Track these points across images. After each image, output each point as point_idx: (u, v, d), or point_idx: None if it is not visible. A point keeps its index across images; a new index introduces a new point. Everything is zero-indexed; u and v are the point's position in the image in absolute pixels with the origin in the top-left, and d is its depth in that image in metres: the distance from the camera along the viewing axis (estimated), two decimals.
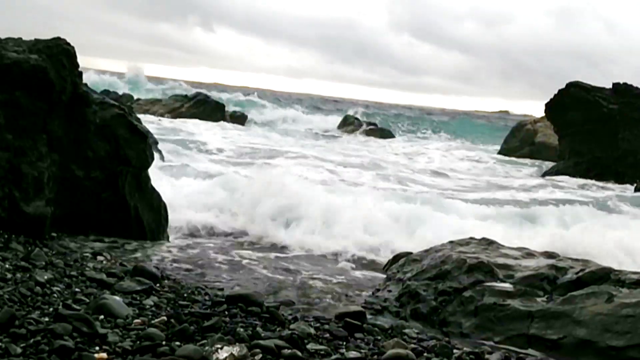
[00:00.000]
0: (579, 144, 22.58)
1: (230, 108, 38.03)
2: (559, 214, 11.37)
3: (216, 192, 10.58)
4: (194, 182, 11.40)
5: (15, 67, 6.38)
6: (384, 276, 6.85)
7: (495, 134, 39.21)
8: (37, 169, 6.47)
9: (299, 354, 3.78)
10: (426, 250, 6.70)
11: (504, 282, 5.62)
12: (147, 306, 4.54)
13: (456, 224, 9.81)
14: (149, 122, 20.01)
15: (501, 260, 6.01)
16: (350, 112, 42.38)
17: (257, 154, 19.16)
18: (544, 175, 21.90)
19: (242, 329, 4.08)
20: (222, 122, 32.24)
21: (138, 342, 3.65)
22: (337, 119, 39.44)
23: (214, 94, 41.55)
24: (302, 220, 9.37)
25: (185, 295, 5.11)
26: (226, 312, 4.55)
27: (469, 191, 15.81)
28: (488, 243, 6.67)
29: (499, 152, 29.32)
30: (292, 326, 4.39)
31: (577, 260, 6.02)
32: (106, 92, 24.63)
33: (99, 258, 6.11)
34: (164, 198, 8.06)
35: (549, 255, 6.27)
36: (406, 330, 4.97)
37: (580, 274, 5.47)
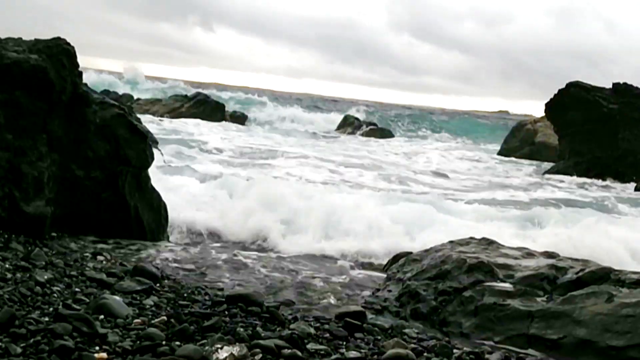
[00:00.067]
0: (579, 143, 22.60)
1: (230, 108, 38.06)
2: (561, 214, 11.38)
3: (216, 193, 10.58)
4: (193, 183, 11.40)
5: (15, 67, 6.38)
6: (384, 276, 6.85)
7: (495, 134, 39.25)
8: (37, 168, 6.47)
9: (299, 353, 3.78)
10: (426, 250, 6.70)
11: (504, 282, 5.62)
12: (147, 306, 4.54)
13: (457, 225, 9.81)
14: (149, 122, 20.03)
15: (501, 260, 6.01)
16: (350, 112, 42.39)
17: (257, 155, 19.16)
18: (544, 175, 21.91)
19: (242, 329, 4.08)
20: (222, 122, 32.27)
21: (138, 342, 3.65)
22: (337, 119, 39.45)
23: (214, 93, 41.61)
24: (303, 221, 9.37)
25: (185, 295, 5.11)
26: (226, 312, 4.55)
27: (470, 191, 15.81)
28: (488, 243, 6.67)
29: (499, 152, 29.34)
30: (292, 326, 4.39)
31: (577, 260, 6.02)
32: (106, 92, 24.65)
33: (99, 258, 6.11)
34: (164, 198, 8.06)
35: (549, 255, 6.27)
36: (406, 330, 4.97)
37: (580, 273, 5.47)
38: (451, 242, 6.80)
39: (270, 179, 13.04)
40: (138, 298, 4.77)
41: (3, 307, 3.79)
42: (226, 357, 3.46)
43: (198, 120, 30.38)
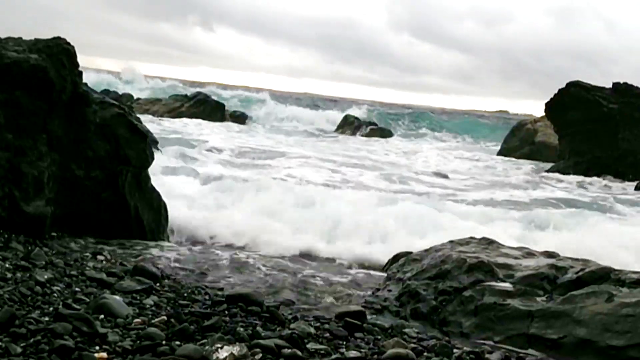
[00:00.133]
0: (579, 143, 22.59)
1: (231, 107, 38.07)
2: (562, 215, 11.38)
3: (216, 193, 10.59)
4: (194, 183, 11.41)
5: (15, 66, 6.38)
6: (384, 276, 6.85)
7: (496, 134, 39.21)
8: (37, 168, 6.47)
9: (299, 353, 3.78)
10: (426, 250, 6.70)
11: (504, 281, 5.61)
12: (147, 306, 4.55)
13: (458, 226, 9.80)
14: (149, 121, 20.03)
15: (501, 260, 6.01)
16: (350, 112, 42.35)
17: (257, 155, 19.15)
18: (544, 174, 21.91)
19: (242, 329, 4.08)
20: (222, 122, 32.28)
21: (138, 341, 3.65)
22: (337, 119, 39.41)
23: (214, 90, 41.58)
24: (303, 221, 9.37)
25: (185, 294, 5.11)
26: (226, 312, 4.55)
27: (470, 191, 15.80)
28: (488, 242, 6.67)
29: (499, 152, 29.33)
30: (292, 326, 4.39)
31: (577, 260, 6.02)
32: (106, 92, 24.64)
33: (99, 257, 6.11)
34: (164, 198, 8.06)
35: (549, 254, 6.27)
36: (406, 330, 4.97)
37: (580, 273, 5.47)
38: (451, 241, 6.80)
39: (270, 179, 13.04)
40: (138, 298, 4.77)
41: (3, 306, 3.79)
42: (226, 357, 3.46)
43: (199, 120, 30.39)
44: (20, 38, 6.96)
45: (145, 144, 7.66)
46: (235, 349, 3.54)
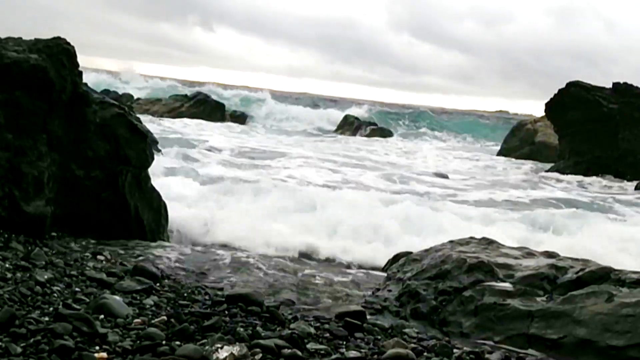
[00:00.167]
0: (579, 143, 22.60)
1: (231, 107, 38.08)
2: (561, 215, 11.38)
3: (216, 193, 10.59)
4: (194, 183, 11.41)
5: (15, 66, 6.38)
6: (384, 276, 6.85)
7: (496, 134, 39.24)
8: (37, 168, 6.47)
9: (299, 353, 3.78)
10: (426, 250, 6.70)
11: (504, 281, 5.61)
12: (147, 306, 4.55)
13: (457, 225, 9.81)
14: (149, 121, 20.03)
15: (501, 260, 6.01)
16: (350, 112, 42.34)
17: (258, 155, 19.16)
18: (544, 174, 21.91)
19: (242, 329, 4.08)
20: (222, 122, 32.29)
21: (138, 341, 3.65)
22: (337, 119, 39.41)
23: (213, 89, 41.55)
24: (303, 222, 9.37)
25: (185, 294, 5.11)
26: (226, 312, 4.55)
27: (471, 191, 15.80)
28: (488, 242, 6.66)
29: (499, 152, 29.34)
30: (292, 326, 4.39)
31: (577, 260, 6.01)
32: (106, 92, 24.65)
33: (99, 257, 6.10)
34: (164, 198, 8.06)
35: (549, 254, 6.26)
36: (406, 330, 4.97)
37: (580, 273, 5.47)
38: (451, 241, 6.79)
39: (270, 180, 13.05)
40: (138, 298, 4.77)
41: (3, 306, 3.79)
42: (226, 357, 3.46)
43: (199, 120, 30.41)
44: (20, 38, 6.95)
45: (145, 144, 7.66)
46: (235, 349, 3.54)
